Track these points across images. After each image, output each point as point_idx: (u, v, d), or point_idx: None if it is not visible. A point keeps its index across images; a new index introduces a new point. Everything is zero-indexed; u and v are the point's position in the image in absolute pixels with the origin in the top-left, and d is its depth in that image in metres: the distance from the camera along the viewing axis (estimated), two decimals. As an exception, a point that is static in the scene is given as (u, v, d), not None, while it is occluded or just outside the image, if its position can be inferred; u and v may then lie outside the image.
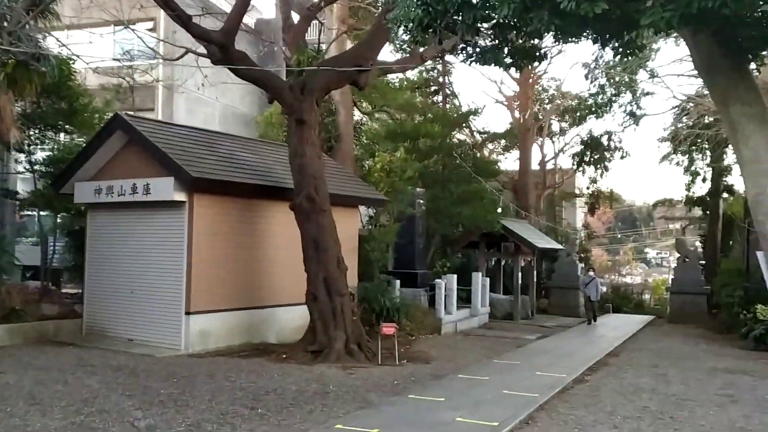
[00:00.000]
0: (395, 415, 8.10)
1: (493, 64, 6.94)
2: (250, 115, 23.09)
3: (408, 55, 18.23)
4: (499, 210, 22.15)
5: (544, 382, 10.58)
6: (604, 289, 28.64)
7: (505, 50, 6.68)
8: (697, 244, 31.33)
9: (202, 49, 12.43)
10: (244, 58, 12.48)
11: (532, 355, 14.06)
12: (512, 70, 27.17)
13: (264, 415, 7.82)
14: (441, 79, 27.74)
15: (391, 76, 22.26)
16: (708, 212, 28.94)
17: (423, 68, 26.18)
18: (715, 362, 13.77)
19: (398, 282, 16.74)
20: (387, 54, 38.28)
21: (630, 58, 6.96)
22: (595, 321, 21.42)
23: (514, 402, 8.95)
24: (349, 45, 19.03)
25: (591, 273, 22.51)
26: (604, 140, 26.55)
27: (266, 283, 13.54)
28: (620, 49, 6.20)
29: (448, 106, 26.82)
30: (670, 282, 27.48)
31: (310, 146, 12.60)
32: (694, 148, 23.65)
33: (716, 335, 19.59)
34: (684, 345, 17.17)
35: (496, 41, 6.71)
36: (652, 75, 19.59)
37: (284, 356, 11.82)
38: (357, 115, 22.05)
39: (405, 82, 23.88)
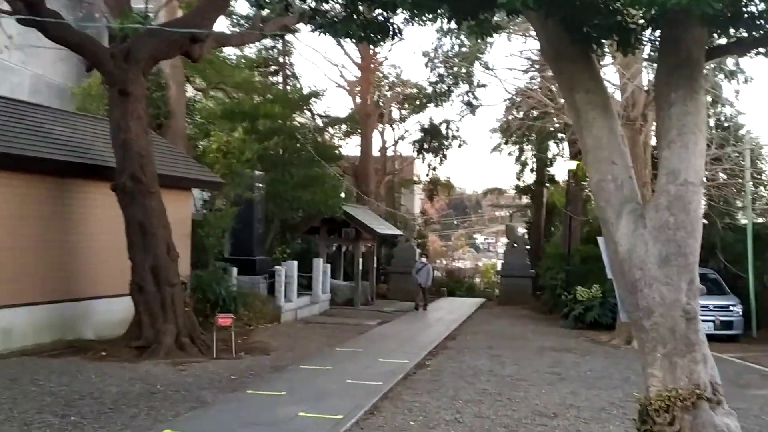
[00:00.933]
0: (232, 415, 7.41)
1: (344, 36, 6.44)
2: (65, 85, 20.58)
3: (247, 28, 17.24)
4: (342, 195, 21.86)
5: (388, 368, 10.43)
6: (438, 274, 29.56)
7: (357, 22, 6.22)
8: (524, 230, 33.54)
9: (5, 6, 10.71)
10: (57, 17, 10.90)
11: (374, 342, 13.95)
12: (355, 54, 27.19)
13: (78, 424, 6.77)
14: (281, 59, 26.87)
15: (228, 53, 21.06)
16: (533, 200, 31.02)
17: (262, 46, 25.15)
18: (542, 342, 14.59)
19: (235, 269, 15.85)
20: (224, 29, 36.38)
21: (484, 38, 6.81)
22: (425, 308, 21.33)
23: (358, 392, 8.64)
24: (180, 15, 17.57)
25: (423, 259, 22.51)
26: (443, 128, 27.37)
27: (83, 273, 12.07)
28: (475, 29, 6.01)
29: (288, 87, 26.04)
30: (499, 266, 29.10)
31: (136, 121, 11.34)
32: (524, 139, 25.11)
33: (541, 316, 20.98)
34: (514, 326, 18.11)
35: (348, 11, 6.24)
36: (487, 67, 20.40)
37: (104, 354, 10.56)
38: (190, 91, 20.55)
39: (243, 60, 22.71)
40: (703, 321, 14.87)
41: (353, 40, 7.00)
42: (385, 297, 25.40)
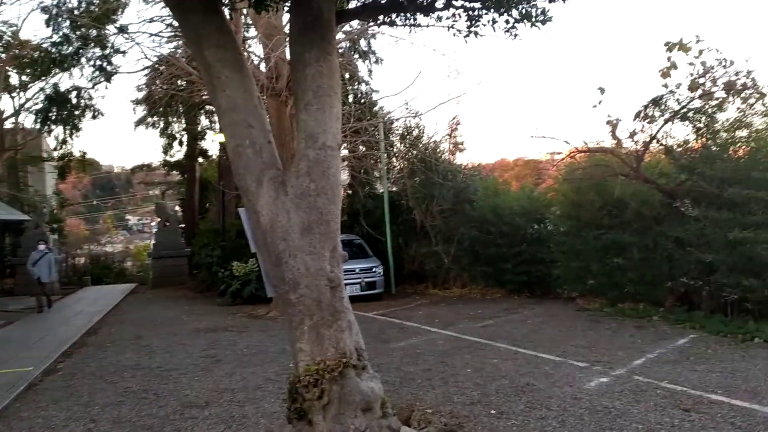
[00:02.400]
0: None
1: None
2: None
3: None
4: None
5: (3, 381, 8.55)
6: (80, 261, 26.35)
7: None
8: (177, 208, 32.03)
9: None
10: None
11: (-10, 351, 11.49)
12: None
13: None
14: None
15: None
16: (186, 176, 29.70)
17: None
18: (197, 323, 13.84)
19: None
20: None
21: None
22: (50, 307, 17.53)
23: (-45, 422, 6.79)
24: None
25: (42, 247, 17.48)
26: (73, 97, 24.07)
27: None
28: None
29: None
30: (152, 247, 27.28)
31: None
32: (169, 110, 23.61)
33: (198, 295, 20.17)
34: (167, 309, 16.96)
35: None
36: (122, 30, 18.37)
37: None
38: None
39: None
40: (351, 284, 15.87)
41: None
42: (11, 293, 21.63)
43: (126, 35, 17.75)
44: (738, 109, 11.30)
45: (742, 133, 11.13)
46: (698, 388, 7.05)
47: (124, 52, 23.04)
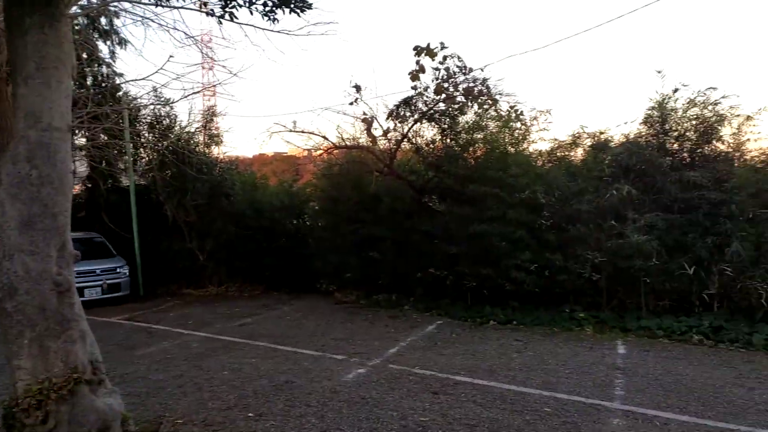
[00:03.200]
0: None
1: None
2: None
3: None
4: None
5: None
6: None
7: None
8: None
9: None
10: None
11: None
12: None
13: None
14: None
15: None
16: None
17: None
18: None
19: None
20: None
21: None
22: None
23: None
24: None
25: None
26: None
27: None
28: None
29: None
30: None
31: None
32: None
33: None
34: None
35: None
36: None
37: None
38: None
39: None
40: (91, 287, 14.26)
41: None
42: None
43: None
44: (476, 113, 12.42)
45: (479, 135, 12.24)
46: (445, 371, 7.51)
47: None
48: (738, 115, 10.54)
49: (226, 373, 7.76)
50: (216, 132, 17.30)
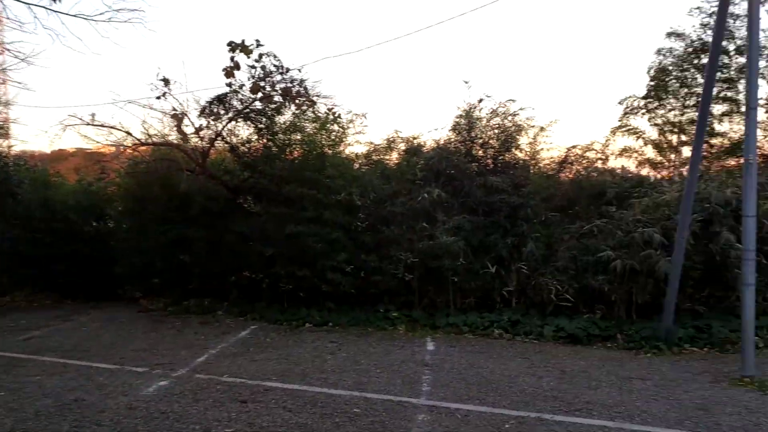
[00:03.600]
0: None
1: None
2: None
3: None
4: None
5: None
6: None
7: None
8: None
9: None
10: None
11: None
12: None
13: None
14: None
15: None
16: None
17: None
18: None
19: None
20: None
21: None
22: None
23: None
24: None
25: None
26: None
27: None
28: None
29: None
30: None
31: None
32: None
33: None
34: None
35: None
36: None
37: None
38: None
39: None
40: None
41: None
42: None
43: None
44: (293, 113, 12.22)
45: (297, 136, 12.05)
46: (256, 377, 7.20)
47: None
48: (533, 126, 11.51)
49: (3, 394, 6.77)
50: (1, 123, 15.35)
